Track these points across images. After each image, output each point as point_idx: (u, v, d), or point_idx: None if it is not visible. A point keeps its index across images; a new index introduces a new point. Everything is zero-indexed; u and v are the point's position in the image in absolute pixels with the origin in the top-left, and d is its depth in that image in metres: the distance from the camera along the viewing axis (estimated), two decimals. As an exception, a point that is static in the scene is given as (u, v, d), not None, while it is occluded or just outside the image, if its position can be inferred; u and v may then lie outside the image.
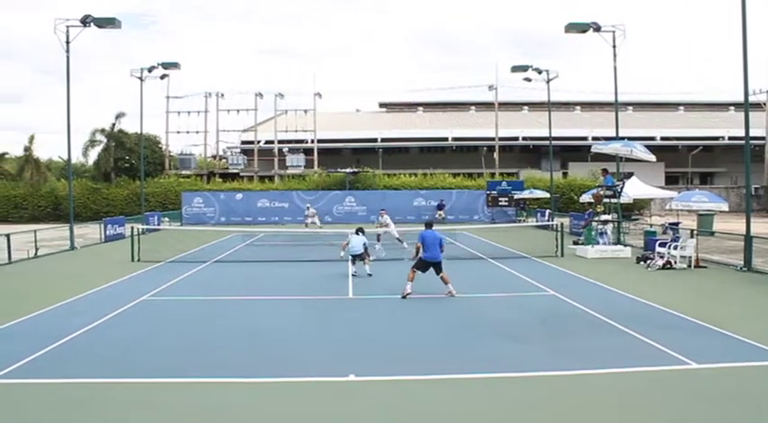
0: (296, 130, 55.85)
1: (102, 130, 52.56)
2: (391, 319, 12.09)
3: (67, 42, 25.92)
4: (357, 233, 18.26)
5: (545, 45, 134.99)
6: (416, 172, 52.48)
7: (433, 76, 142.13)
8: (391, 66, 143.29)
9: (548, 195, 39.24)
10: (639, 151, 21.56)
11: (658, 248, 19.17)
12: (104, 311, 12.44)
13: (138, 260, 20.92)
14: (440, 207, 43.60)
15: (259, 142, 56.99)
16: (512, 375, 8.21)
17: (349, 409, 7.17)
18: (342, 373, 8.26)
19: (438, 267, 14.25)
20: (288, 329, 11.11)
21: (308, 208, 36.09)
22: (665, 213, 37.73)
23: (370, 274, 17.24)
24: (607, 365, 8.58)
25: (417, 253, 14.69)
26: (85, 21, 25.63)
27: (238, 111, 56.57)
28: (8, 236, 21.71)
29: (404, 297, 13.73)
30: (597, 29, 25.78)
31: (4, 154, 59.53)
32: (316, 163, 55.34)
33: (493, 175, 52.72)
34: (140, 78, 37.29)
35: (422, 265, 14.30)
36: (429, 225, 15.20)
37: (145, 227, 29.18)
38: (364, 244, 17.69)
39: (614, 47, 25.72)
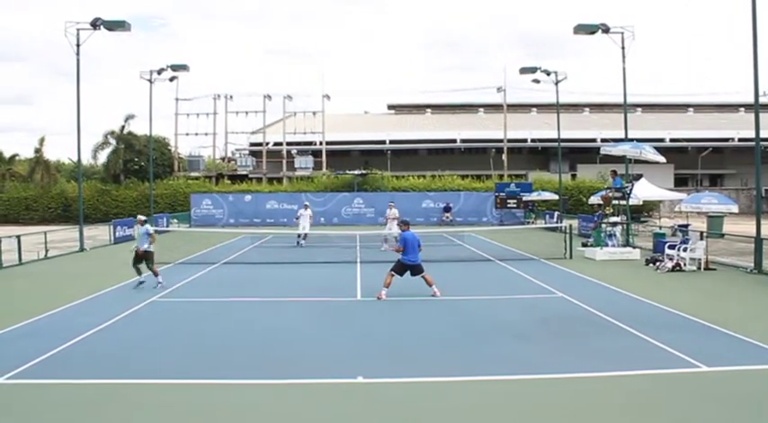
0: (304, 132, 55.88)
1: (112, 133, 52.88)
2: (399, 320, 12.04)
3: (78, 45, 26.05)
4: (142, 224, 16.47)
5: (552, 45, 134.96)
6: (425, 174, 52.49)
7: (439, 76, 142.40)
8: (399, 67, 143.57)
9: (556, 197, 39.18)
10: (649, 153, 21.47)
11: (668, 250, 19.12)
12: (114, 312, 12.49)
13: (148, 261, 20.95)
14: (447, 209, 43.53)
15: (267, 144, 57.09)
16: (521, 377, 8.21)
17: (357, 410, 7.16)
18: (350, 375, 8.28)
19: (418, 270, 14.19)
20: (296, 331, 11.11)
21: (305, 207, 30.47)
22: (674, 215, 37.59)
23: (160, 283, 15.68)
24: (616, 367, 8.53)
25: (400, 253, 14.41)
26: (95, 24, 25.78)
27: (247, 113, 56.61)
28: (19, 237, 21.82)
29: (378, 298, 13.82)
30: (606, 30, 25.69)
31: (14, 156, 59.87)
32: (324, 164, 55.34)
33: (501, 176, 52.65)
34: (150, 81, 37.49)
35: (401, 269, 14.16)
36: (407, 224, 14.71)
37: (154, 228, 29.13)
38: (147, 234, 15.95)
39: (623, 48, 25.64)
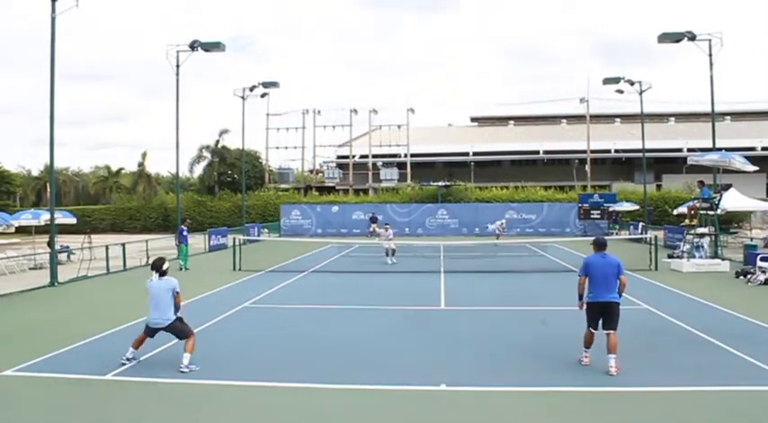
0: (389, 145, 56.79)
1: (207, 147, 55.58)
2: (483, 329, 12.09)
3: (177, 66, 27.88)
4: (157, 272, 9.52)
5: (634, 54, 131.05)
6: (508, 185, 52.48)
7: (520, 87, 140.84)
8: (480, 79, 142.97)
9: (638, 207, 38.62)
10: (738, 162, 20.95)
11: (760, 263, 18.59)
12: (208, 317, 13.20)
13: (240, 269, 22.07)
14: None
15: (354, 156, 58.35)
16: (609, 389, 8.18)
17: (440, 418, 7.26)
18: (433, 383, 8.39)
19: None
20: (380, 338, 11.40)
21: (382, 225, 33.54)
22: (766, 226, 36.18)
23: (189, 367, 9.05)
24: (706, 382, 8.32)
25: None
26: (193, 46, 27.55)
27: (334, 126, 58.12)
28: (123, 245, 23.45)
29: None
30: (692, 38, 25.19)
31: (120, 169, 64.04)
32: (409, 176, 56.08)
33: (585, 187, 51.92)
34: (242, 97, 39.53)
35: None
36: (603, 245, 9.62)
37: (246, 238, 30.49)
38: (174, 292, 9.32)
39: (710, 56, 25.09)
